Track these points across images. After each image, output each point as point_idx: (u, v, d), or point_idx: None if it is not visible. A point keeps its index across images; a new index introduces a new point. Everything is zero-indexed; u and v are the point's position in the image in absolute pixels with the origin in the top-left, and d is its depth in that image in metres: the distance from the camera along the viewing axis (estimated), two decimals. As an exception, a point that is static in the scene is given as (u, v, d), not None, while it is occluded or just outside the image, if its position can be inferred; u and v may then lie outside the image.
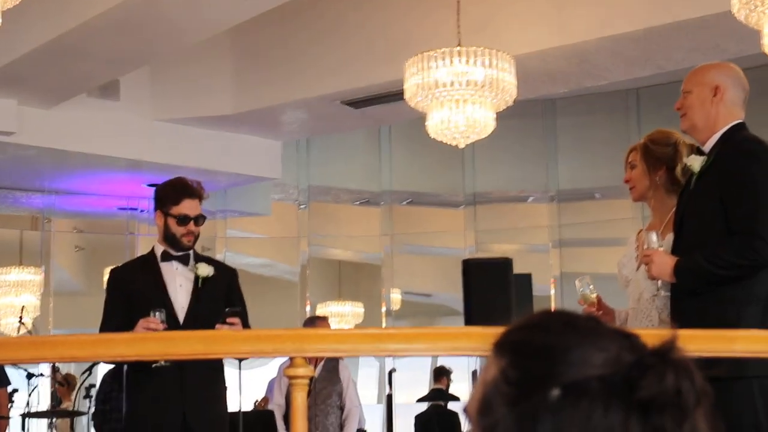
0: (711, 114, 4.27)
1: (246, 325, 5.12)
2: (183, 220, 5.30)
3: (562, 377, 1.20)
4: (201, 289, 5.29)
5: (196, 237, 5.39)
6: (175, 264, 5.35)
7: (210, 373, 5.24)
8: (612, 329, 1.27)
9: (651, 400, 1.18)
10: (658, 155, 4.58)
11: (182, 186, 5.40)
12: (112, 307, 5.29)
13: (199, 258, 5.44)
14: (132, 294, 5.25)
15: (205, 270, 5.30)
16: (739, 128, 4.27)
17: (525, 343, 1.26)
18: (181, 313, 5.23)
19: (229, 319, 4.99)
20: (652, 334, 1.28)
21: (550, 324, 1.27)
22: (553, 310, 1.32)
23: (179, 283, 5.31)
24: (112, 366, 8.51)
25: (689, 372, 1.20)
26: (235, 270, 5.60)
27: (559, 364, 1.22)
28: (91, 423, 9.23)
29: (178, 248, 5.34)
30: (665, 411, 1.19)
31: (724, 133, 4.25)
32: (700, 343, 3.27)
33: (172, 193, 5.38)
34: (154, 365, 4.96)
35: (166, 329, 4.91)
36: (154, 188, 5.69)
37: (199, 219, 5.35)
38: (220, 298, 5.25)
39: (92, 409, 9.22)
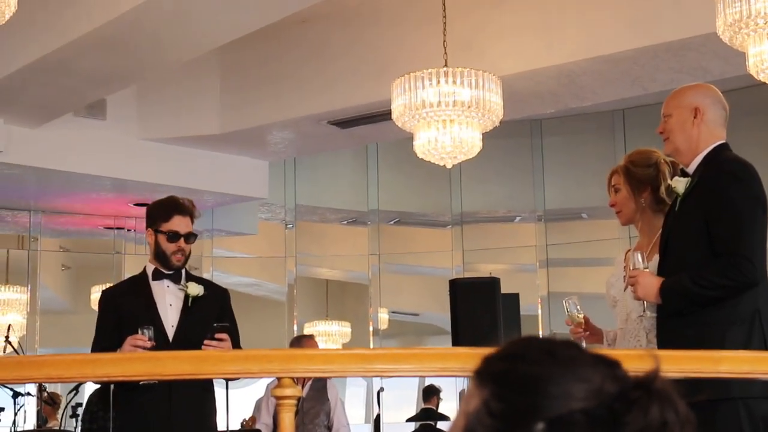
0: (693, 136, 4.29)
1: (237, 345, 5.11)
2: (173, 236, 5.30)
3: (546, 411, 1.20)
4: (191, 308, 5.29)
5: (187, 257, 5.39)
6: (166, 282, 5.35)
7: (199, 393, 5.23)
8: (593, 357, 1.27)
9: None
10: (640, 177, 4.60)
11: (173, 203, 5.42)
12: (103, 328, 5.29)
13: (191, 277, 5.44)
14: (122, 314, 5.25)
15: (195, 289, 5.30)
16: (722, 149, 4.29)
17: (507, 374, 1.25)
18: (170, 332, 5.23)
19: (217, 335, 4.99)
20: (633, 355, 1.28)
21: (531, 354, 1.26)
22: (533, 337, 1.31)
23: (169, 302, 5.31)
24: (98, 385, 8.50)
25: (673, 402, 1.21)
26: (227, 290, 5.59)
27: (542, 397, 1.21)
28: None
29: (168, 267, 5.34)
30: None
31: (707, 155, 4.27)
32: (686, 364, 3.28)
33: (162, 210, 5.39)
34: (141, 382, 4.95)
35: (154, 347, 4.90)
36: (145, 207, 5.69)
37: (190, 237, 5.35)
38: (211, 317, 5.23)
39: (79, 429, 9.20)
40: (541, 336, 1.32)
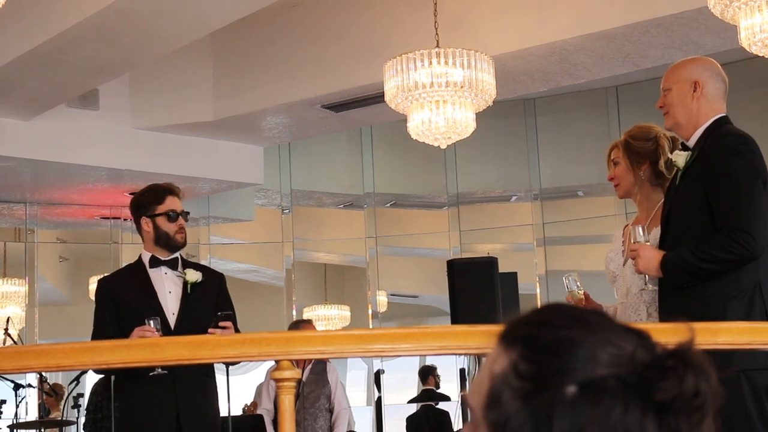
0: (693, 110, 4.29)
1: (236, 329, 5.14)
2: (173, 216, 5.33)
3: (577, 374, 1.19)
4: (190, 294, 5.30)
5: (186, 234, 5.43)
6: (164, 269, 5.36)
7: (202, 380, 5.25)
8: (622, 326, 1.26)
9: (669, 402, 1.18)
10: (639, 151, 4.61)
11: (161, 187, 5.47)
12: (102, 318, 5.30)
13: (187, 264, 5.46)
14: (122, 303, 5.25)
15: (194, 275, 5.32)
16: (722, 122, 4.29)
17: (536, 337, 1.23)
18: (172, 319, 5.25)
19: (221, 323, 5.00)
20: (660, 328, 1.28)
21: (561, 319, 1.25)
22: (561, 304, 1.30)
23: (168, 290, 5.32)
24: (100, 376, 8.51)
25: (707, 373, 1.20)
26: (223, 274, 5.62)
27: (573, 360, 1.20)
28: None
29: (172, 248, 5.36)
30: (681, 412, 1.19)
31: (708, 128, 4.27)
32: (684, 336, 3.29)
33: (153, 195, 5.42)
34: (151, 373, 4.97)
35: (162, 336, 4.92)
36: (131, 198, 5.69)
37: (185, 214, 5.41)
38: (210, 303, 5.27)
39: (82, 419, 9.22)
40: (566, 304, 1.31)
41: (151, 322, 4.96)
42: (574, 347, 1.21)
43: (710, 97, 4.31)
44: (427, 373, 12.56)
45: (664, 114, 4.39)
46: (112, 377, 5.40)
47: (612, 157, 4.73)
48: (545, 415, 1.18)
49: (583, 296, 4.67)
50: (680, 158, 4.27)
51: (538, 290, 12.61)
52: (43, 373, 9.92)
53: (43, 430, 9.87)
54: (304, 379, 8.12)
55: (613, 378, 1.19)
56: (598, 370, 1.19)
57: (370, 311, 13.29)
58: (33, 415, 11.13)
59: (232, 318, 5.10)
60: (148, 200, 5.41)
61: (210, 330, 4.98)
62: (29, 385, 10.16)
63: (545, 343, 1.22)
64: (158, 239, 5.37)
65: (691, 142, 4.30)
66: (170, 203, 5.37)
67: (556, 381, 1.19)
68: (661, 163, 4.55)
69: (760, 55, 6.37)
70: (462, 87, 7.52)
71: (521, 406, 1.20)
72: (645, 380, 1.19)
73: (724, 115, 4.32)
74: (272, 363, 4.79)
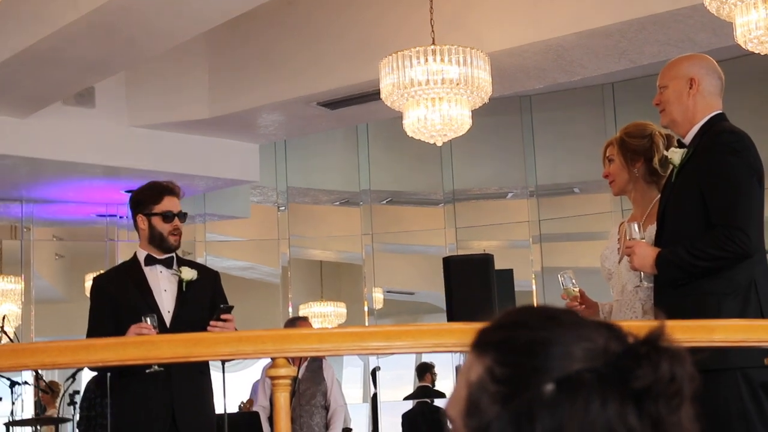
0: (689, 107, 4.29)
1: (235, 329, 5.13)
2: (168, 216, 5.32)
3: (553, 372, 1.19)
4: (186, 292, 5.30)
5: (180, 236, 5.41)
6: (159, 268, 5.35)
7: (197, 377, 5.25)
8: (592, 321, 1.26)
9: (646, 389, 1.18)
10: (634, 148, 4.61)
11: (160, 185, 5.44)
12: (97, 315, 5.29)
13: (182, 262, 5.45)
14: (117, 301, 5.25)
15: (189, 273, 5.31)
16: (719, 119, 4.29)
17: (509, 340, 1.24)
18: (167, 317, 5.24)
19: (223, 316, 5.01)
20: (637, 325, 1.29)
21: (531, 320, 1.25)
22: (529, 306, 1.31)
23: (164, 288, 5.32)
24: (95, 372, 8.51)
25: (681, 358, 1.21)
26: (217, 272, 5.61)
27: (548, 358, 1.20)
28: (77, 430, 9.22)
29: (165, 249, 5.34)
30: (659, 399, 1.19)
31: (704, 125, 4.27)
32: (680, 333, 3.29)
33: (151, 193, 5.40)
34: (148, 370, 4.97)
35: (159, 334, 4.92)
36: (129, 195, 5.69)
37: (182, 215, 5.38)
38: (206, 301, 5.26)
39: (77, 416, 9.21)
40: (537, 305, 1.32)
41: (148, 319, 4.96)
42: (547, 346, 1.21)
43: (706, 94, 4.31)
44: (425, 370, 12.57)
45: (661, 111, 4.39)
46: (108, 375, 5.39)
47: (607, 154, 4.73)
48: (526, 415, 1.18)
49: (578, 293, 4.66)
50: (676, 155, 4.27)
51: (533, 287, 12.62)
52: (39, 371, 9.92)
53: (39, 427, 9.87)
54: (300, 376, 8.12)
55: (587, 372, 1.19)
56: (575, 366, 1.20)
57: (366, 308, 13.29)
58: (29, 412, 11.14)
59: (233, 311, 5.11)
60: (146, 198, 5.40)
61: (212, 323, 4.98)
62: (25, 383, 10.16)
63: (518, 345, 1.23)
64: (152, 238, 5.36)
65: (688, 139, 4.30)
66: (167, 203, 5.35)
67: (532, 381, 1.19)
68: (656, 160, 4.55)
69: (756, 52, 6.38)
70: (458, 84, 7.52)
71: (501, 410, 1.20)
72: (620, 370, 1.19)
73: (720, 112, 4.32)
74: (268, 360, 4.79)
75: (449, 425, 1.28)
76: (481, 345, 1.26)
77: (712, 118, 4.28)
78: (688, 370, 1.21)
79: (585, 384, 1.19)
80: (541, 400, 1.18)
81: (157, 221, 5.33)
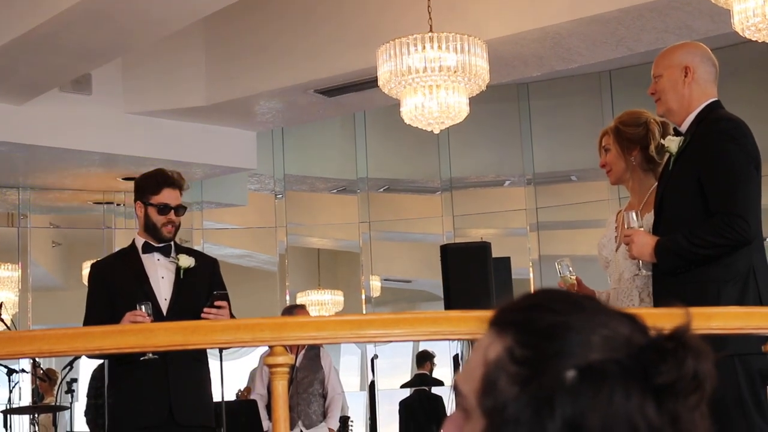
0: (684, 95, 4.29)
1: (231, 314, 5.13)
2: (163, 209, 5.31)
3: (575, 358, 1.18)
4: (183, 280, 5.30)
5: (177, 228, 5.40)
6: (156, 255, 5.36)
7: (194, 365, 5.25)
8: (616, 310, 1.25)
9: (669, 384, 1.17)
10: (630, 136, 4.61)
11: (162, 176, 5.42)
12: (95, 302, 5.30)
13: (180, 249, 5.46)
14: (114, 288, 5.25)
15: (187, 261, 5.32)
16: (714, 107, 4.29)
17: (532, 322, 1.22)
18: (164, 305, 5.25)
19: (217, 302, 5.01)
20: (657, 314, 1.28)
21: (555, 303, 1.23)
22: (553, 289, 1.29)
23: (161, 275, 5.32)
24: (95, 361, 8.52)
25: (705, 356, 1.20)
26: (216, 259, 5.62)
27: (569, 343, 1.18)
28: (74, 417, 9.23)
29: (160, 239, 5.35)
30: (680, 395, 1.18)
31: (700, 113, 4.27)
32: (677, 321, 3.29)
33: (151, 183, 5.40)
34: (142, 358, 4.97)
35: (153, 322, 4.92)
36: (133, 181, 5.70)
37: (180, 209, 5.38)
38: (203, 288, 5.26)
39: (76, 404, 9.23)
40: (559, 289, 1.30)
41: (143, 306, 4.96)
42: (569, 331, 1.19)
43: (701, 81, 4.31)
44: (425, 359, 12.59)
45: (656, 101, 4.39)
46: (106, 362, 5.40)
47: (603, 144, 4.73)
48: (546, 400, 1.16)
49: (575, 281, 4.67)
50: (673, 143, 4.27)
51: (531, 275, 12.62)
52: (37, 359, 9.92)
53: (36, 415, 9.88)
54: (297, 364, 8.13)
55: (611, 362, 1.18)
56: (594, 354, 1.18)
57: (363, 296, 13.30)
58: (27, 400, 11.14)
59: (227, 298, 5.11)
60: (146, 187, 5.40)
61: (206, 309, 4.98)
62: (23, 371, 10.16)
63: (540, 327, 1.20)
64: (147, 227, 5.38)
65: (684, 127, 4.30)
66: (165, 196, 5.35)
67: (554, 366, 1.17)
68: (652, 148, 4.55)
69: (754, 39, 6.37)
70: (455, 72, 7.51)
71: (519, 391, 1.18)
72: (644, 364, 1.18)
73: (716, 99, 4.32)
74: (266, 348, 4.79)
75: (456, 401, 1.27)
76: (501, 323, 1.24)
77: (708, 105, 4.28)
78: (711, 368, 1.20)
79: (608, 374, 1.17)
80: (562, 386, 1.17)
81: (152, 211, 5.34)
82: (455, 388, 1.26)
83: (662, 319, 1.29)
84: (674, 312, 1.27)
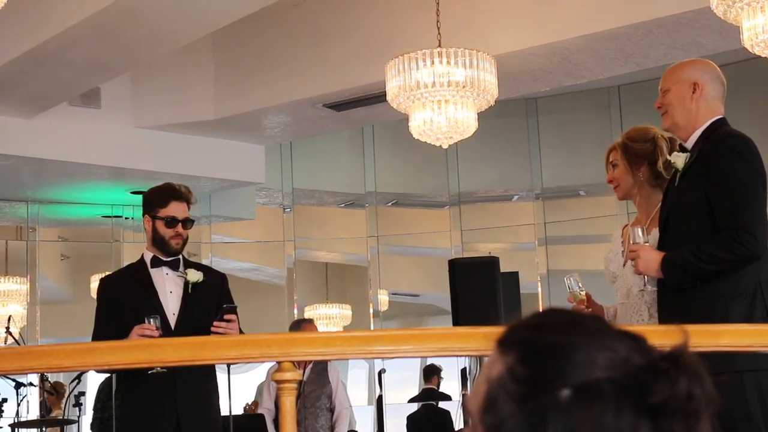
0: (692, 111, 4.29)
1: (239, 329, 5.13)
2: (171, 222, 5.32)
3: (572, 378, 1.19)
4: (191, 294, 5.30)
5: (185, 241, 5.40)
6: (165, 269, 5.36)
7: (202, 379, 5.25)
8: (618, 330, 1.26)
9: (663, 405, 1.18)
10: (637, 152, 4.61)
11: (169, 189, 5.43)
12: (103, 317, 5.30)
13: (189, 264, 5.46)
14: (123, 302, 5.25)
15: (195, 276, 5.31)
16: (720, 123, 4.29)
17: (533, 341, 1.24)
18: (172, 319, 5.25)
19: (226, 316, 5.01)
20: (657, 331, 1.28)
21: (558, 323, 1.25)
22: (558, 309, 1.31)
23: (169, 290, 5.32)
24: (103, 375, 8.52)
25: (701, 377, 1.20)
26: (225, 275, 5.61)
27: (568, 364, 1.20)
28: (82, 431, 9.24)
29: (168, 252, 5.35)
30: (675, 416, 1.19)
31: (706, 129, 4.27)
32: (678, 338, 3.28)
33: (159, 196, 5.41)
34: (150, 372, 4.97)
35: (161, 336, 4.92)
36: (141, 195, 5.71)
37: (187, 222, 5.38)
38: (211, 303, 5.26)
39: (84, 418, 9.23)
40: (565, 308, 1.32)
41: (151, 320, 4.96)
42: (570, 351, 1.21)
43: (709, 98, 4.31)
44: (432, 373, 12.57)
45: (662, 114, 4.39)
46: (114, 376, 5.41)
47: (610, 160, 4.73)
48: (539, 418, 1.19)
49: (584, 297, 4.66)
50: (679, 159, 4.27)
51: (539, 290, 12.61)
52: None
53: (44, 428, 9.88)
54: (305, 378, 8.12)
55: (606, 381, 1.19)
56: (595, 374, 1.19)
57: (371, 310, 13.29)
58: (34, 413, 11.13)
59: (236, 312, 5.11)
60: (154, 200, 5.41)
61: (215, 323, 4.99)
62: (30, 384, 10.16)
63: (541, 347, 1.23)
64: (155, 240, 5.38)
65: (689, 143, 4.30)
66: (173, 209, 5.35)
67: (551, 384, 1.19)
68: (660, 163, 4.55)
69: (763, 55, 6.37)
70: (464, 87, 7.52)
71: (516, 409, 1.20)
72: (639, 383, 1.19)
73: (722, 116, 4.32)
74: (274, 362, 4.79)
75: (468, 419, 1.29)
76: (505, 343, 1.26)
77: (714, 122, 4.28)
78: (708, 389, 1.20)
79: (601, 393, 1.19)
80: (556, 405, 1.18)
81: (160, 225, 5.34)
82: (463, 405, 1.29)
83: (661, 337, 1.30)
84: (672, 330, 1.28)
